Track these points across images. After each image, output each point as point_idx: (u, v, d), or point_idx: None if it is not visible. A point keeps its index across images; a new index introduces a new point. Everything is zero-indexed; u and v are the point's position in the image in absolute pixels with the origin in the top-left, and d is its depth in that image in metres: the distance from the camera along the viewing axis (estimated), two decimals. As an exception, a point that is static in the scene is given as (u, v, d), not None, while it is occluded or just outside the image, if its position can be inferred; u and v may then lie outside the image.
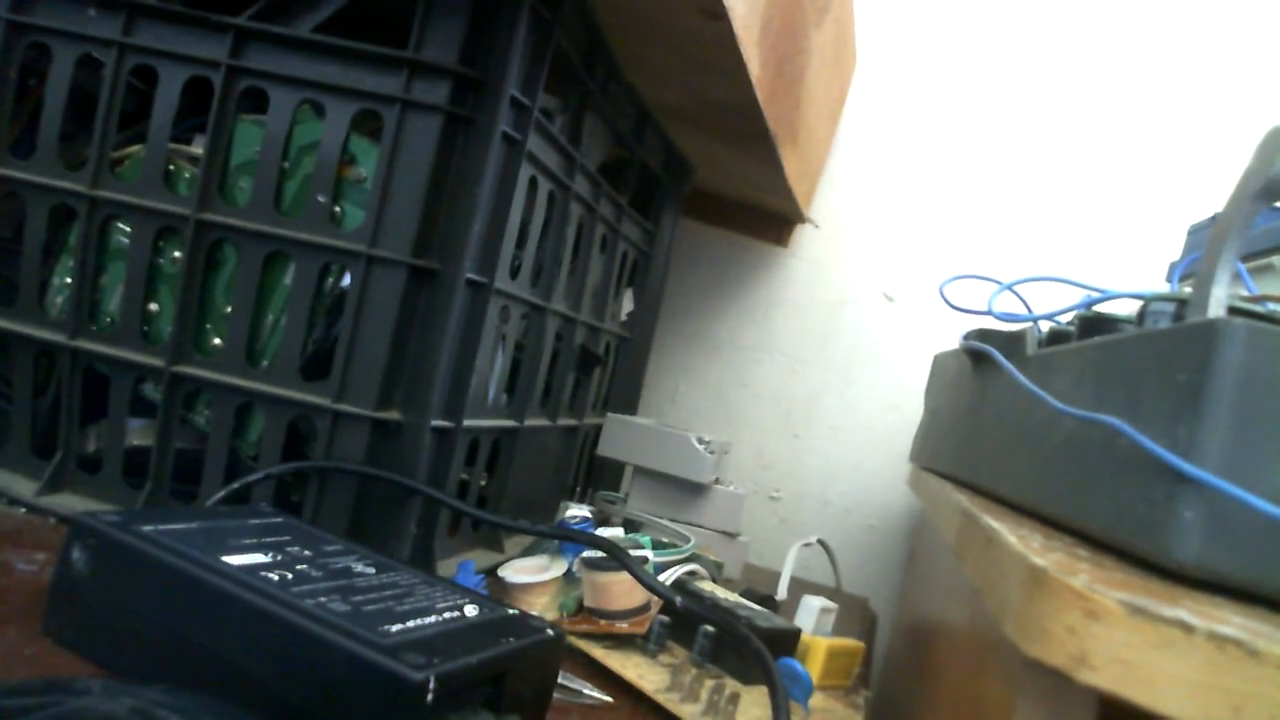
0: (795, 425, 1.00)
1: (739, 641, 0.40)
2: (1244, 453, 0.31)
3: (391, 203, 0.49)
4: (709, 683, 0.42)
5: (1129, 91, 0.96)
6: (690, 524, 0.68)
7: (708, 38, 0.56)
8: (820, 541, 0.76)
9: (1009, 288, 0.57)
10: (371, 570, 0.36)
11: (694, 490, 0.69)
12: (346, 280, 0.50)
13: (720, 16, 0.52)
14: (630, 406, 0.90)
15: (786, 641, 0.46)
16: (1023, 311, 0.58)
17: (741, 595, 0.52)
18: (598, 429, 0.76)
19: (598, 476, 0.83)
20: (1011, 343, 0.58)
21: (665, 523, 0.67)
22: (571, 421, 0.73)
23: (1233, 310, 0.37)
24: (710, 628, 0.43)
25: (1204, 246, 0.41)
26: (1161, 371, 0.36)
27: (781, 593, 0.63)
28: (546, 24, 0.51)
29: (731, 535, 0.69)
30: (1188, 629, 0.24)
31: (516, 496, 0.63)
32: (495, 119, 0.49)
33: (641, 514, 0.68)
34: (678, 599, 0.42)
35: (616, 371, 0.86)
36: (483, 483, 0.59)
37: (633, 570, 0.42)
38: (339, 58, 0.49)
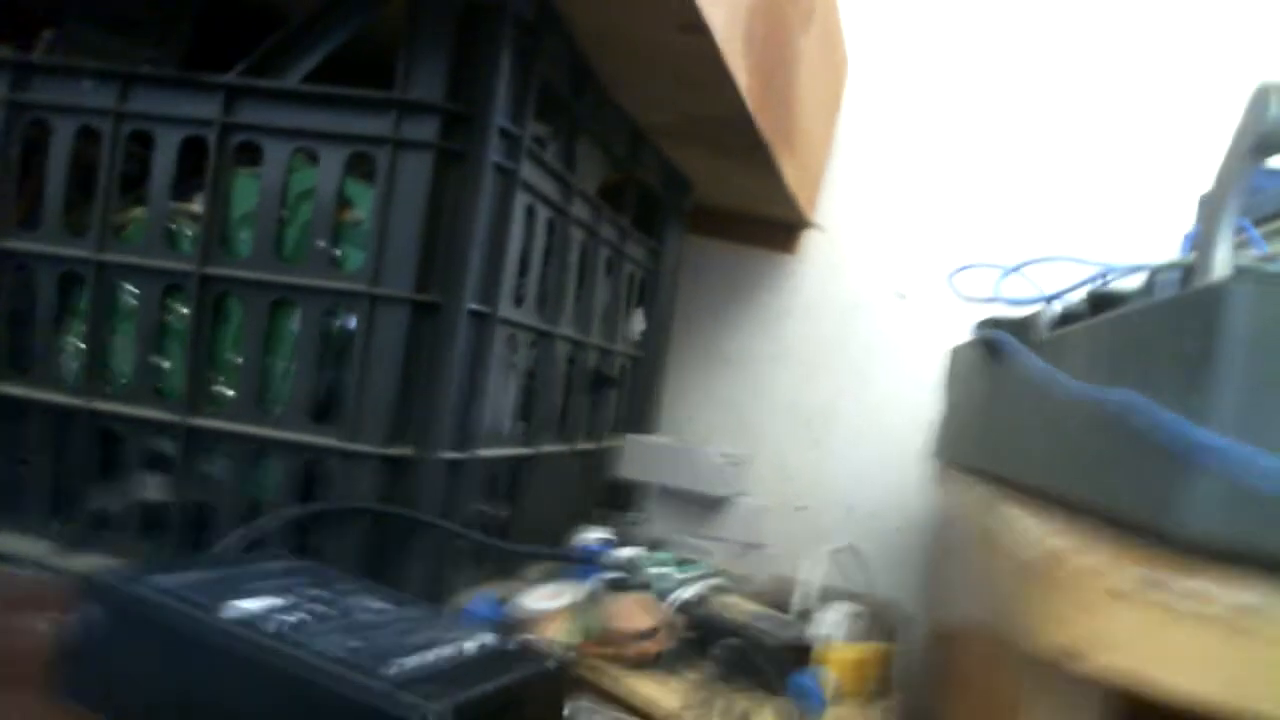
0: (815, 433, 0.99)
1: (746, 656, 0.40)
2: (1259, 416, 0.30)
3: (390, 241, 0.49)
4: (726, 699, 0.42)
5: (1132, 66, 0.95)
6: (714, 539, 0.67)
7: (691, 53, 0.56)
8: (850, 547, 0.74)
9: (1014, 271, 0.56)
10: (384, 606, 0.36)
11: (715, 505, 0.68)
12: (352, 322, 0.51)
13: (700, 31, 0.52)
14: (648, 426, 0.90)
15: (798, 654, 0.45)
16: (1031, 294, 0.57)
17: (766, 606, 0.52)
18: (616, 451, 0.75)
19: (619, 498, 0.82)
20: (1023, 328, 0.57)
21: (689, 539, 0.67)
22: (588, 445, 0.73)
23: (1240, 271, 0.36)
24: (727, 643, 0.42)
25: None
26: (1170, 340, 0.35)
27: (807, 601, 0.62)
28: (529, 54, 0.52)
29: (756, 547, 0.68)
30: (1204, 602, 0.23)
31: (535, 523, 0.63)
32: (485, 151, 0.50)
33: (664, 532, 0.68)
34: (689, 616, 0.42)
35: (632, 392, 0.86)
36: (502, 512, 0.59)
37: (644, 590, 0.42)
38: (328, 105, 0.50)
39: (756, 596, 0.57)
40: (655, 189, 0.84)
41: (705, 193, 0.94)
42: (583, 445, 0.71)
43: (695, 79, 0.61)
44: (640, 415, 0.88)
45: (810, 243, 1.02)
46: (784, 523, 0.96)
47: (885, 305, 0.99)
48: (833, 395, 0.99)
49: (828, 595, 0.65)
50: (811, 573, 0.67)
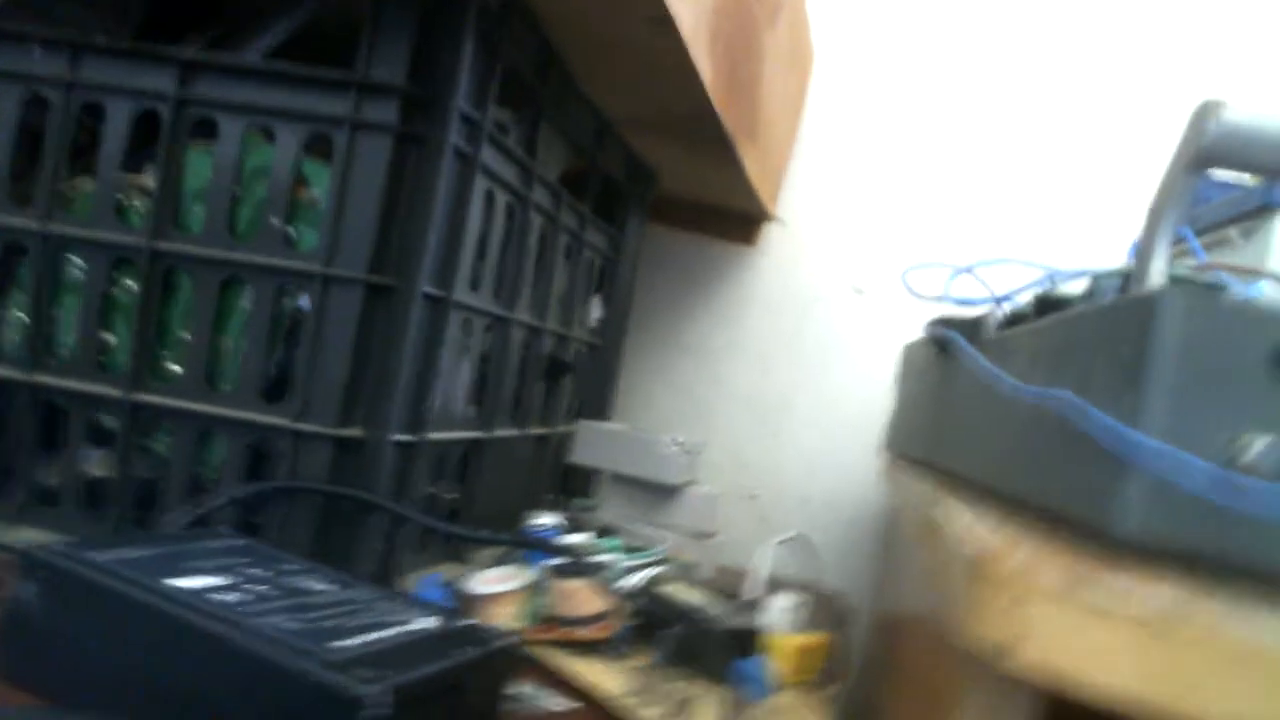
0: (771, 423, 1.00)
1: (692, 642, 0.41)
2: (1187, 419, 0.31)
3: (346, 222, 0.49)
4: (671, 684, 0.42)
5: (1089, 75, 0.97)
6: (665, 526, 0.68)
7: (658, 46, 0.56)
8: (799, 536, 0.75)
9: (965, 272, 0.57)
10: (329, 587, 0.36)
11: (667, 493, 0.69)
12: (305, 301, 0.50)
13: (668, 24, 0.52)
14: (603, 413, 0.90)
15: (744, 640, 0.45)
16: (982, 295, 0.58)
17: (714, 595, 0.52)
18: (571, 436, 0.76)
19: (573, 484, 0.83)
20: (973, 327, 0.58)
21: (639, 526, 0.67)
22: (542, 430, 0.73)
23: (1177, 280, 0.37)
24: (673, 630, 0.43)
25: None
26: (1107, 344, 0.36)
27: (755, 591, 0.63)
28: (494, 40, 0.51)
29: (707, 535, 0.69)
30: (1127, 602, 0.24)
31: (487, 507, 0.63)
32: (446, 135, 0.49)
33: (616, 518, 0.68)
34: (636, 603, 0.42)
35: (588, 378, 0.86)
36: (453, 495, 0.59)
37: (591, 576, 0.42)
38: (287, 83, 0.50)
39: (704, 584, 0.57)
40: (618, 178, 0.84)
41: (668, 183, 0.94)
42: (537, 430, 0.72)
43: (661, 71, 0.61)
44: (597, 402, 0.88)
45: (770, 236, 1.03)
46: (737, 511, 0.97)
47: (842, 300, 1.00)
48: (789, 386, 1.00)
49: (776, 584, 0.66)
50: (761, 561, 0.68)
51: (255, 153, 0.51)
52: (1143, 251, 0.41)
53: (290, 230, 0.51)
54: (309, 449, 0.49)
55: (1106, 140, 0.96)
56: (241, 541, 0.40)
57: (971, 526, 0.33)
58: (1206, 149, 0.40)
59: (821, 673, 0.50)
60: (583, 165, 0.76)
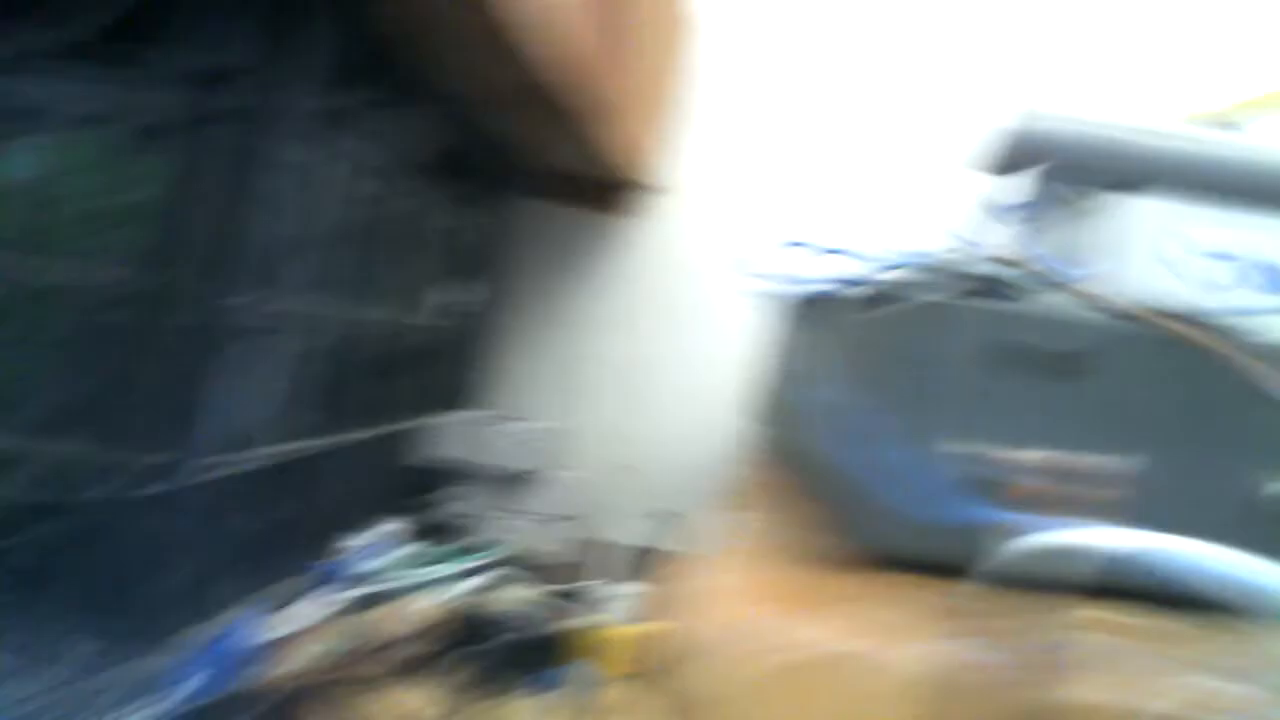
0: (648, 394, 0.99)
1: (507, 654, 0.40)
2: (912, 422, 0.31)
3: (137, 226, 0.45)
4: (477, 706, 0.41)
5: (958, 54, 0.96)
6: (525, 513, 0.67)
7: (509, 24, 0.52)
8: (669, 510, 0.75)
9: (824, 251, 0.56)
10: (77, 672, 0.33)
11: (525, 479, 0.67)
12: (92, 317, 0.46)
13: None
14: (468, 400, 0.86)
15: (543, 652, 0.45)
16: (836, 274, 0.57)
17: (551, 589, 0.51)
18: (424, 431, 0.72)
19: (431, 478, 0.79)
20: (824, 308, 0.57)
21: (498, 516, 0.66)
22: (387, 428, 0.70)
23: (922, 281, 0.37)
24: (483, 645, 0.42)
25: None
26: (906, 337, 0.36)
27: (621, 568, 0.62)
28: (338, 20, 0.47)
29: (568, 518, 0.68)
30: (769, 649, 0.24)
31: (324, 517, 0.59)
32: (268, 121, 0.46)
33: (476, 510, 0.67)
34: (450, 620, 0.41)
35: (445, 367, 0.82)
36: (272, 512, 0.56)
37: (409, 596, 0.41)
38: (69, 75, 0.45)
39: (549, 576, 0.56)
40: (483, 156, 0.80)
41: (540, 158, 0.90)
42: (381, 429, 0.68)
43: (523, 46, 0.56)
44: (457, 390, 0.85)
45: (644, 206, 1.01)
46: (615, 485, 0.96)
47: (715, 270, 0.98)
48: (664, 357, 0.99)
49: (654, 557, 0.65)
50: (625, 540, 0.67)
51: (20, 154, 0.46)
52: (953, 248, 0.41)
53: (69, 239, 0.47)
54: (106, 479, 0.45)
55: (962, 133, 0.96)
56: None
57: (735, 527, 0.33)
58: (1020, 153, 0.41)
59: (669, 656, 0.49)
60: (445, 146, 0.72)
